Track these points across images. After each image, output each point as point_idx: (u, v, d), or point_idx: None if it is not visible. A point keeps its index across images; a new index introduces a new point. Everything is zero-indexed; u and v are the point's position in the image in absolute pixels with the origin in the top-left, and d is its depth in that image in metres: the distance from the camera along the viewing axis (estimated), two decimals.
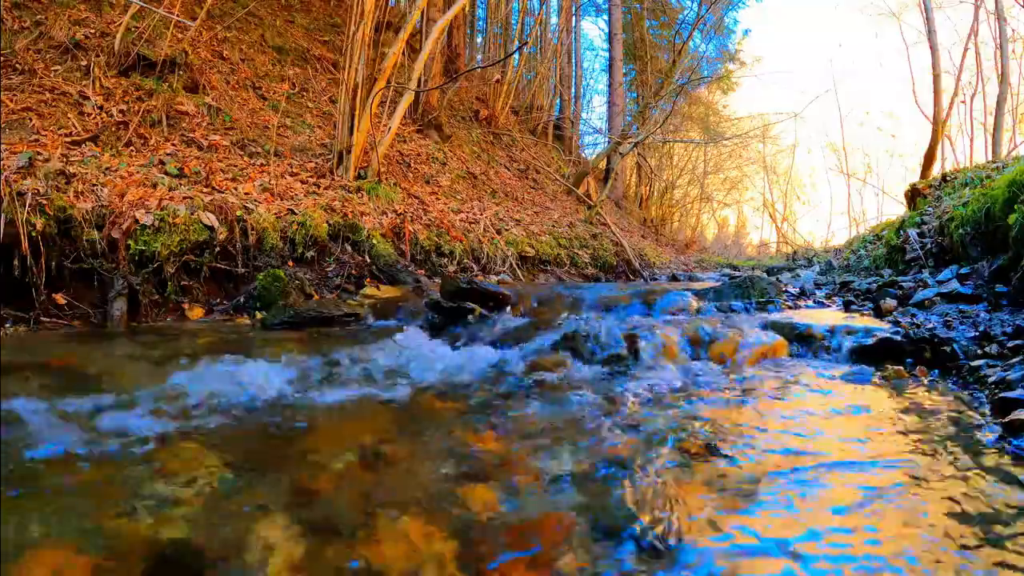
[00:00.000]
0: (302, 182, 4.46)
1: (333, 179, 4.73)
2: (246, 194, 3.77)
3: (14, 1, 4.22)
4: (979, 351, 2.00)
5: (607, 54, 14.50)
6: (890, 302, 2.89)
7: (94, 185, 3.04)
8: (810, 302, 3.51)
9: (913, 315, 2.63)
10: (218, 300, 3.28)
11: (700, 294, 3.38)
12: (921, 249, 4.49)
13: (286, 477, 1.22)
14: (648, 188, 17.95)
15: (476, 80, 11.28)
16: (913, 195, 6.64)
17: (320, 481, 1.21)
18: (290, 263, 3.64)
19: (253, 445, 1.40)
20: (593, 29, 38.04)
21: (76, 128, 3.57)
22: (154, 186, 3.30)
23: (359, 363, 2.16)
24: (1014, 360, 1.80)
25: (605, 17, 15.21)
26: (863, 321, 2.58)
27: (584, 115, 15.56)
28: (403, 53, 5.58)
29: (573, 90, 14.56)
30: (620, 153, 12.26)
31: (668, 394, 1.85)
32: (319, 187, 4.48)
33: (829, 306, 3.35)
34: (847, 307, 3.11)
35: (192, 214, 3.19)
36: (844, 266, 7.38)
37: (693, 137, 16.65)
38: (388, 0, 7.56)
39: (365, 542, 0.97)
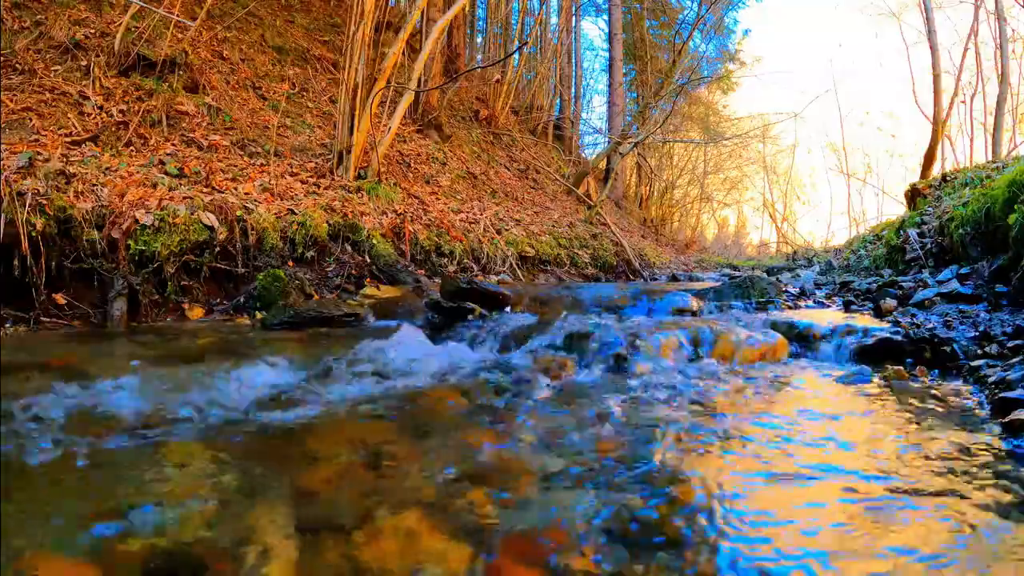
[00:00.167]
0: (302, 182, 4.46)
1: (333, 179, 4.73)
2: (246, 194, 3.77)
3: (14, 1, 4.22)
4: (979, 351, 2.01)
5: (607, 54, 14.51)
6: (890, 302, 2.89)
7: (94, 185, 3.04)
8: (810, 302, 3.51)
9: (913, 315, 2.63)
10: (218, 300, 3.28)
11: (700, 294, 3.38)
12: (921, 249, 4.49)
13: (286, 477, 1.22)
14: (648, 188, 17.95)
15: (476, 80, 11.27)
16: (913, 195, 6.64)
17: (320, 481, 1.21)
18: (290, 263, 3.64)
19: (253, 445, 1.40)
20: (593, 29, 38.07)
21: (76, 128, 3.57)
22: (154, 186, 3.30)
23: (359, 363, 2.15)
24: (1014, 360, 1.80)
25: (605, 17, 15.23)
26: (863, 321, 2.58)
27: (584, 115, 15.58)
28: (403, 53, 5.58)
29: (573, 90, 14.57)
30: (620, 153, 12.26)
31: (668, 394, 1.85)
32: (319, 187, 4.48)
33: (829, 306, 3.35)
34: (847, 307, 3.11)
35: (192, 214, 3.19)
36: (844, 266, 7.38)
37: (693, 137, 16.66)
38: (388, 0, 7.56)
39: (366, 542, 0.97)
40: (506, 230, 6.13)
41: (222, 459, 1.29)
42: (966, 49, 12.86)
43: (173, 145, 4.02)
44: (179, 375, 1.87)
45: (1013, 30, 12.18)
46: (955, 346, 2.05)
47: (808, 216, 27.67)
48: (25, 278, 2.64)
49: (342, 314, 3.04)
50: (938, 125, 11.37)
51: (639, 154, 15.16)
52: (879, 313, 2.81)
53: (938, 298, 2.92)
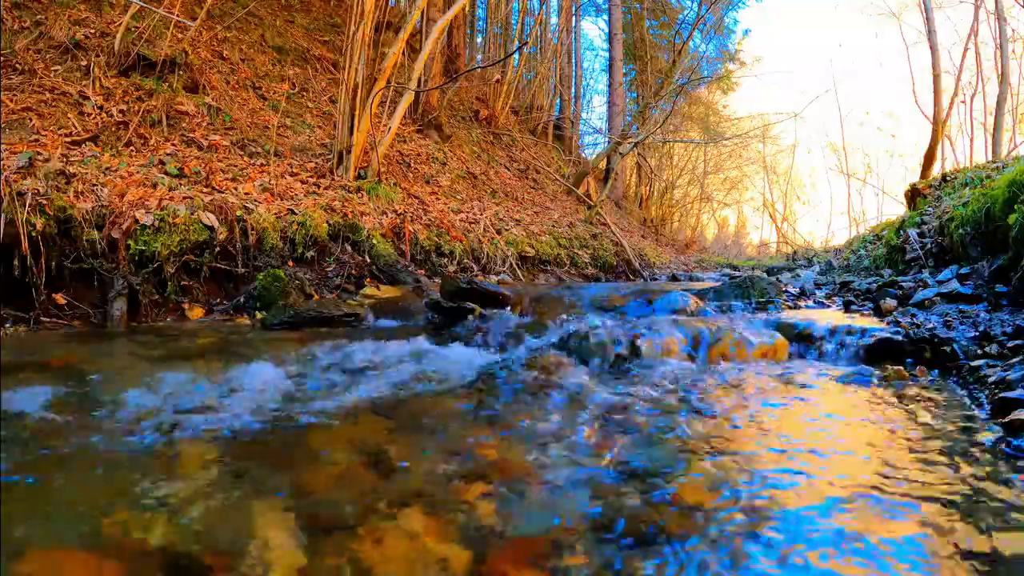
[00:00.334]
0: (302, 182, 4.46)
1: (333, 179, 4.73)
2: (246, 194, 3.77)
3: (14, 1, 4.22)
4: (979, 351, 2.00)
5: (607, 54, 14.51)
6: (890, 302, 2.89)
7: (94, 185, 3.04)
8: (810, 302, 3.51)
9: (913, 315, 2.63)
10: (218, 300, 3.28)
11: (700, 294, 3.37)
12: (921, 249, 4.49)
13: (286, 477, 1.22)
14: (648, 188, 17.95)
15: (476, 80, 11.27)
16: (913, 195, 6.64)
17: (320, 480, 1.21)
18: (290, 263, 3.64)
19: (252, 445, 1.40)
20: (593, 29, 38.08)
21: (76, 128, 3.57)
22: (154, 186, 3.30)
23: (359, 363, 2.16)
24: (1014, 360, 1.80)
25: (605, 17, 15.23)
26: (863, 321, 2.58)
27: (584, 115, 15.59)
28: (403, 53, 5.58)
29: (573, 90, 14.57)
30: (620, 153, 12.26)
31: (668, 394, 1.85)
32: (319, 187, 4.48)
33: (829, 306, 3.35)
34: (847, 307, 3.11)
35: (192, 214, 3.19)
36: (844, 266, 7.38)
37: (693, 137, 16.66)
38: (388, 0, 7.56)
39: (366, 542, 0.97)
40: (506, 230, 6.13)
41: (222, 459, 1.29)
42: (966, 49, 12.87)
43: (173, 145, 4.02)
44: (179, 375, 1.86)
45: (1013, 30, 12.19)
46: (955, 346, 2.05)
47: (808, 216, 27.71)
48: (25, 278, 2.65)
49: (342, 314, 3.04)
50: (938, 125, 11.37)
51: (639, 154, 15.16)
52: (879, 313, 2.81)
53: (938, 298, 2.92)
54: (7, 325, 2.59)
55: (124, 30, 4.25)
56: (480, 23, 12.96)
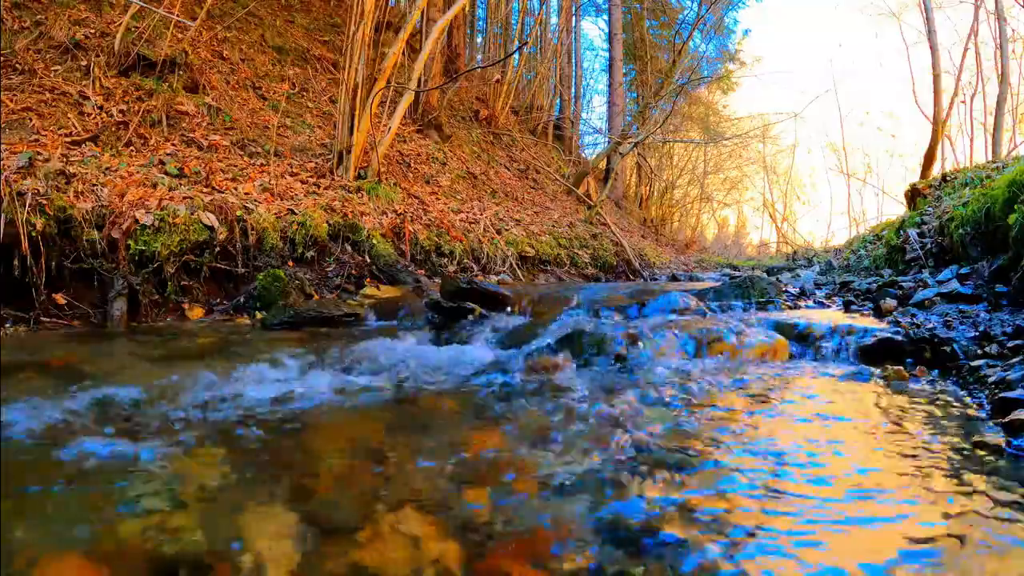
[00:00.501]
0: (302, 182, 4.46)
1: (333, 179, 4.73)
2: (246, 194, 3.77)
3: (14, 1, 4.22)
4: (979, 351, 2.00)
5: (607, 54, 14.51)
6: (890, 302, 2.89)
7: (94, 185, 3.04)
8: (810, 302, 3.51)
9: (913, 315, 2.63)
10: (218, 300, 3.28)
11: (700, 294, 3.37)
12: (921, 249, 4.49)
13: (286, 476, 1.22)
14: (648, 188, 17.95)
15: (476, 80, 11.28)
16: (913, 195, 6.64)
17: (320, 481, 1.21)
18: (290, 263, 3.64)
19: (252, 444, 1.40)
20: (593, 29, 38.07)
21: (76, 128, 3.57)
22: (154, 186, 3.30)
23: (359, 363, 2.16)
24: (1014, 360, 1.80)
25: (605, 17, 15.24)
26: (863, 321, 2.58)
27: (584, 115, 15.59)
28: (403, 53, 5.58)
29: (573, 90, 14.57)
30: (620, 153, 12.26)
31: (667, 394, 1.85)
32: (319, 187, 4.48)
33: (829, 306, 3.35)
34: (847, 307, 3.11)
35: (192, 214, 3.19)
36: (844, 266, 7.38)
37: (693, 137, 16.66)
38: (388, 0, 7.56)
39: (366, 542, 0.97)
40: (506, 230, 6.13)
41: (222, 459, 1.29)
42: (966, 49, 12.87)
43: (173, 145, 4.02)
44: (179, 375, 1.86)
45: (1013, 30, 12.19)
46: (955, 346, 2.05)
47: (808, 216, 27.72)
48: (25, 278, 2.65)
49: (342, 314, 3.04)
50: (938, 125, 11.37)
51: (639, 154, 15.16)
52: (879, 313, 2.81)
53: (938, 298, 2.92)
54: (7, 325, 2.59)
55: (124, 30, 4.25)
56: (480, 23, 12.98)
